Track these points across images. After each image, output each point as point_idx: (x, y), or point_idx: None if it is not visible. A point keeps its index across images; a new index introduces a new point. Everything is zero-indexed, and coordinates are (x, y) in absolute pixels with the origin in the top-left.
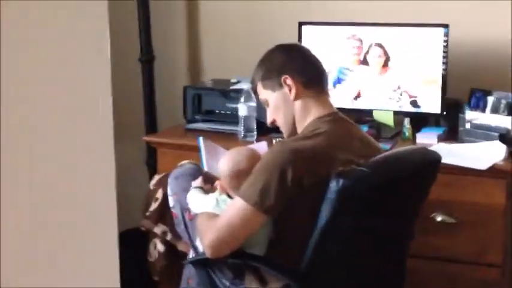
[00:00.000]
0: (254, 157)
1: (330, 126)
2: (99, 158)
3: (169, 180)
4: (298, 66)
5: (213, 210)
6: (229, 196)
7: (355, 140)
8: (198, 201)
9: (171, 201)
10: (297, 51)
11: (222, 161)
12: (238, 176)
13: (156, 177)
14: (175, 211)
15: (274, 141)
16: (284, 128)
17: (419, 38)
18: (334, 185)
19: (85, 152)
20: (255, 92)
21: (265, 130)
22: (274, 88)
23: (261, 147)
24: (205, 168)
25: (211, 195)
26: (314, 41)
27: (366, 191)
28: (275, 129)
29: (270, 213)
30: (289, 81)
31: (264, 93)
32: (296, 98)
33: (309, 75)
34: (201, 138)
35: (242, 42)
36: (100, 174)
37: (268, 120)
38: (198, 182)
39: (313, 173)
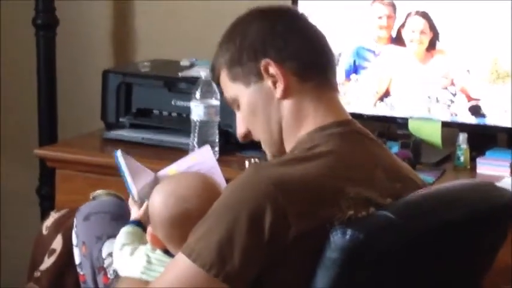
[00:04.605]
0: (211, 189)
1: (337, 144)
2: None
3: (76, 221)
4: (289, 44)
5: (141, 276)
6: (167, 252)
7: (378, 168)
8: (124, 257)
9: (77, 256)
10: (286, 20)
11: (155, 196)
12: (183, 222)
13: (54, 216)
14: (84, 271)
15: (247, 163)
16: (266, 144)
17: (487, 7)
18: (338, 239)
19: None
20: (218, 85)
21: (234, 145)
22: (249, 80)
23: (203, 157)
24: (135, 194)
25: (140, 249)
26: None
27: (389, 249)
28: (252, 144)
29: (233, 282)
30: (272, 68)
31: (232, 89)
32: (285, 95)
33: (307, 58)
34: (118, 152)
35: (201, 4)
36: None
37: (239, 131)
38: (136, 213)
39: (306, 217)
